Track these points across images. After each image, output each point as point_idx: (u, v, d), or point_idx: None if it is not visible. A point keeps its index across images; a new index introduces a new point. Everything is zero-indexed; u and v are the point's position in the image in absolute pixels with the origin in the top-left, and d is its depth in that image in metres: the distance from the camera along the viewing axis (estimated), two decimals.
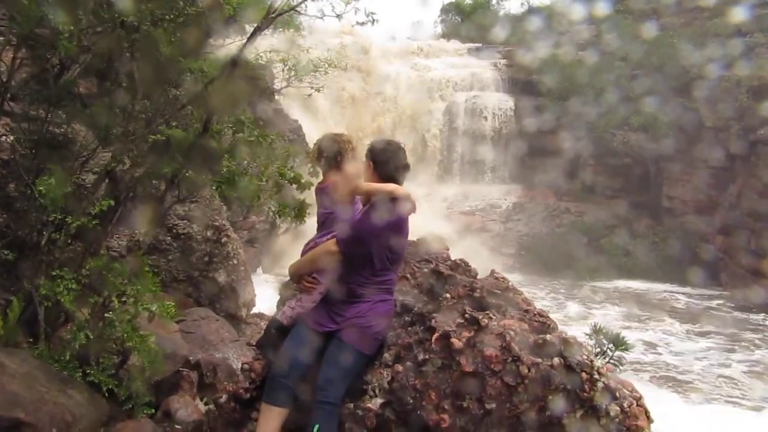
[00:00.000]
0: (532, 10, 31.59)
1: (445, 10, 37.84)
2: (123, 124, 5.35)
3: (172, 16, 5.25)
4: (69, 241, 5.08)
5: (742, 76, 21.92)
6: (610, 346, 4.45)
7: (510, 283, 4.35)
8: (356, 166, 4.09)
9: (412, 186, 4.07)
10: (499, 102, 27.21)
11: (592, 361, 3.61)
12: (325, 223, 4.14)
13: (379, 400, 3.79)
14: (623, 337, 4.74)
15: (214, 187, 5.91)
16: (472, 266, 4.53)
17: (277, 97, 16.28)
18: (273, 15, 5.39)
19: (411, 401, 3.71)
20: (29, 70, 5.74)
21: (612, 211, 24.38)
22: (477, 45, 30.87)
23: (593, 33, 26.78)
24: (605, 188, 24.90)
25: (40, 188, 4.57)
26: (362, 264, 3.85)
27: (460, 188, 26.41)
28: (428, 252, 4.65)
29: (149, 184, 5.64)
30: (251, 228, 14.15)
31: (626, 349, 4.58)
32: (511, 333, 3.69)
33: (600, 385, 3.51)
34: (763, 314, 18.47)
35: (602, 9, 26.13)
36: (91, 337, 4.52)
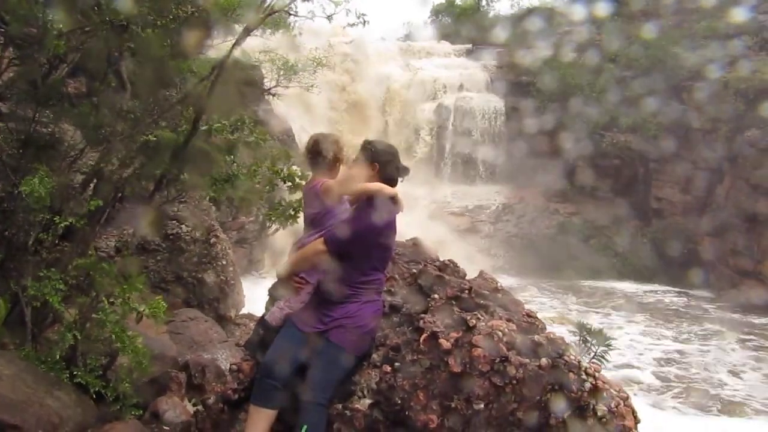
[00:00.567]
0: (522, 12, 31.63)
1: (435, 12, 37.87)
2: (111, 124, 5.33)
3: (162, 19, 5.23)
4: (56, 241, 5.06)
5: (731, 78, 22.05)
6: (594, 342, 4.48)
7: (498, 284, 4.37)
8: (355, 167, 4.09)
9: (401, 186, 4.08)
10: (488, 103, 27.23)
11: (579, 362, 3.63)
12: (313, 223, 4.14)
13: (367, 401, 3.79)
14: (606, 335, 4.78)
15: (210, 194, 5.87)
16: (460, 267, 4.54)
17: (267, 97, 16.26)
18: (263, 15, 5.39)
19: (399, 402, 3.72)
20: (17, 69, 5.71)
21: (601, 211, 24.44)
22: (467, 46, 30.89)
23: (584, 34, 26.83)
24: (594, 189, 24.96)
25: (24, 188, 4.53)
26: (350, 264, 3.85)
27: (449, 189, 26.40)
28: (417, 254, 4.66)
29: (138, 185, 5.62)
30: (240, 228, 14.12)
31: (609, 346, 4.61)
32: (499, 333, 3.71)
33: (588, 385, 3.53)
34: (752, 314, 18.56)
35: (594, 10, 26.20)
36: (79, 337, 4.50)
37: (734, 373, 13.15)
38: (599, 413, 3.47)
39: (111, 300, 4.66)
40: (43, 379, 4.28)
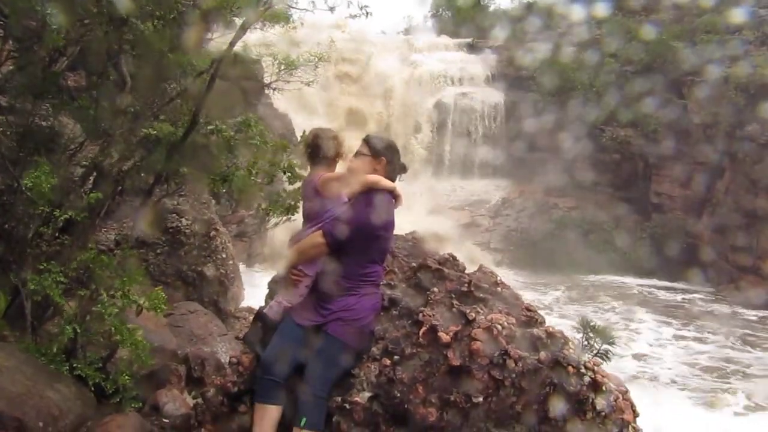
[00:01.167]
0: (523, 7, 31.56)
1: (436, 6, 37.80)
2: (111, 117, 5.32)
3: (161, 12, 5.22)
4: (56, 234, 5.06)
5: (732, 74, 22.02)
6: (597, 339, 4.48)
7: (498, 278, 4.36)
8: (355, 161, 4.10)
9: (400, 181, 4.09)
10: (488, 98, 27.24)
11: (579, 356, 3.63)
12: (311, 217, 4.14)
13: (366, 394, 3.79)
14: (610, 331, 4.78)
15: (210, 188, 5.87)
16: (459, 261, 4.54)
17: (267, 91, 16.23)
18: (263, 8, 5.38)
19: (398, 395, 3.72)
20: (16, 62, 5.71)
21: (601, 206, 24.46)
22: (467, 40, 30.86)
23: (585, 30, 26.80)
24: (594, 184, 24.97)
25: (26, 182, 4.53)
26: (349, 257, 3.85)
27: (449, 183, 26.42)
28: (417, 248, 4.66)
29: (137, 178, 5.62)
30: (240, 222, 14.13)
31: (612, 343, 4.61)
32: (499, 327, 3.71)
33: (587, 379, 3.53)
34: (751, 310, 18.57)
35: (594, 7, 26.14)
36: (79, 330, 4.50)
37: None
38: (598, 407, 3.47)
39: (111, 293, 4.66)
40: (43, 372, 4.28)
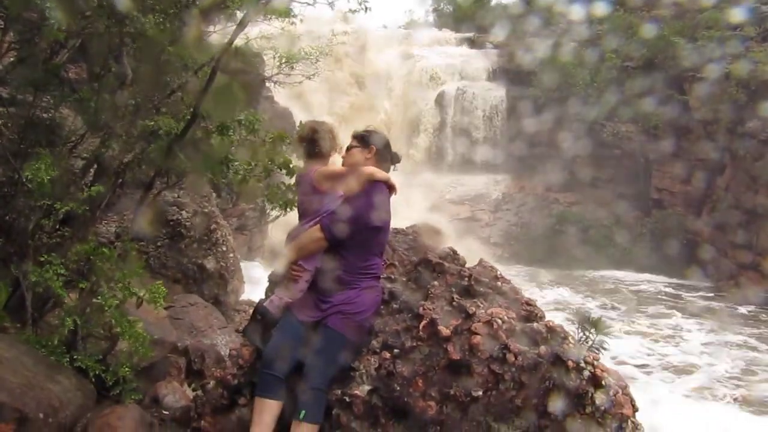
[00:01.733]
0: (524, 3, 31.48)
1: (438, 0, 37.73)
2: (111, 110, 5.31)
3: (163, 6, 5.21)
4: (57, 226, 5.06)
5: (733, 70, 22.00)
6: (592, 330, 4.48)
7: (498, 272, 4.37)
8: (349, 155, 4.11)
9: (401, 176, 4.10)
10: (489, 92, 27.22)
11: (579, 350, 3.64)
12: (308, 211, 4.14)
13: (366, 387, 3.80)
14: (604, 322, 4.78)
15: (209, 178, 5.87)
16: (460, 255, 4.54)
17: (267, 84, 16.21)
18: (264, 2, 5.37)
19: (398, 388, 3.73)
20: (17, 53, 5.70)
21: (601, 202, 24.47)
22: (469, 35, 30.82)
23: (586, 26, 26.76)
24: (595, 179, 24.99)
25: (27, 174, 4.53)
26: (348, 250, 3.86)
27: (449, 177, 26.43)
28: (417, 242, 4.67)
29: (138, 171, 5.62)
30: (241, 215, 14.13)
31: (607, 334, 4.61)
32: (499, 321, 3.72)
33: (586, 373, 3.54)
34: (751, 306, 18.59)
35: (595, 3, 26.09)
36: (79, 322, 4.50)
37: None
38: (598, 402, 3.48)
39: (111, 285, 4.67)
40: (44, 363, 4.28)
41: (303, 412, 3.70)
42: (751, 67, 21.65)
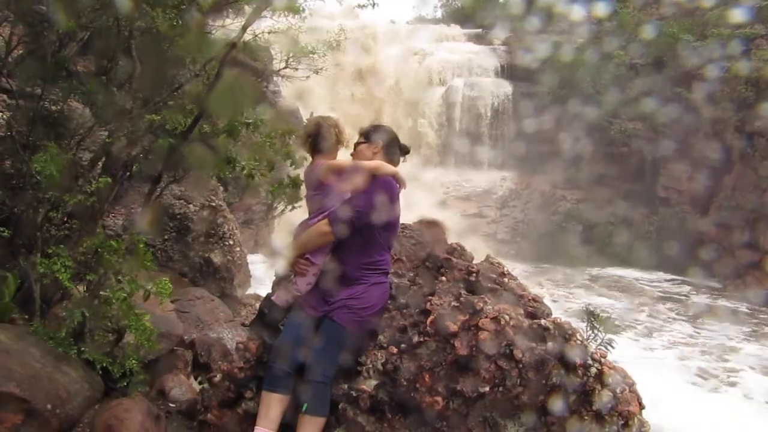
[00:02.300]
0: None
1: None
2: (120, 102, 5.32)
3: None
4: (65, 218, 5.08)
5: (741, 68, 21.88)
6: (601, 329, 4.47)
7: (505, 269, 4.37)
8: (357, 150, 4.11)
9: (408, 171, 4.10)
10: (497, 88, 27.14)
11: (586, 347, 3.64)
12: (314, 205, 4.15)
13: (373, 382, 3.81)
14: (613, 321, 4.77)
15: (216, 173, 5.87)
16: (467, 250, 4.54)
17: (275, 78, 16.23)
18: None
19: (405, 383, 3.73)
20: (26, 46, 5.71)
21: (607, 199, 24.40)
22: (477, 31, 30.74)
23: (593, 23, 26.64)
24: (601, 177, 24.90)
25: (35, 165, 4.55)
26: (356, 244, 3.86)
27: (456, 174, 26.39)
28: (425, 237, 4.67)
29: (146, 164, 5.63)
30: (247, 210, 14.15)
31: (615, 332, 4.61)
32: (506, 317, 3.71)
33: (593, 370, 3.54)
34: (755, 306, 18.51)
35: (602, 0, 25.96)
36: (87, 314, 4.52)
37: None
38: (604, 398, 3.48)
39: (118, 278, 4.68)
40: (51, 354, 4.30)
41: (307, 405, 3.71)
42: (759, 65, 21.53)
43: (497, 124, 26.81)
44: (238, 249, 8.69)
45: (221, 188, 8.85)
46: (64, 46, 5.54)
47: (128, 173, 5.53)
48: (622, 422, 3.51)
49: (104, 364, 4.54)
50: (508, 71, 27.92)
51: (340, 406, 3.81)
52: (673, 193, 23.87)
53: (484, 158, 26.88)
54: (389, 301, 4.07)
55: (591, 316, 4.93)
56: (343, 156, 4.23)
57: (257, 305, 5.51)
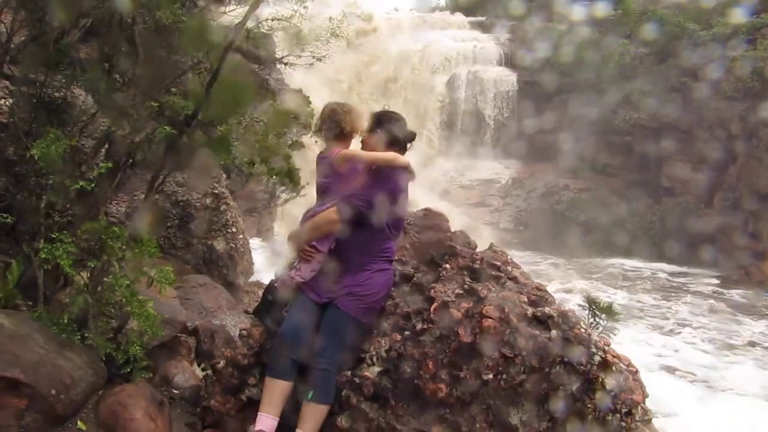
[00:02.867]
0: None
1: None
2: (123, 89, 5.31)
3: None
4: (68, 205, 5.07)
5: (747, 56, 21.76)
6: (603, 316, 4.48)
7: (508, 257, 4.36)
8: (369, 138, 4.10)
9: (412, 158, 4.08)
10: (501, 77, 27.05)
11: (590, 335, 3.63)
12: (325, 192, 4.14)
13: (376, 369, 3.82)
14: (615, 308, 4.77)
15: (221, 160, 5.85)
16: (471, 238, 4.53)
17: (278, 66, 16.15)
18: None
19: (408, 370, 3.74)
20: (29, 32, 5.69)
21: (611, 189, 24.36)
22: (481, 19, 30.60)
23: (601, 10, 26.44)
24: (605, 166, 24.85)
25: (35, 151, 4.53)
26: (362, 233, 3.86)
27: (459, 162, 26.33)
28: (429, 224, 4.65)
29: (149, 151, 5.62)
30: (250, 197, 14.14)
31: (618, 320, 4.61)
32: (510, 305, 3.71)
33: (597, 358, 3.54)
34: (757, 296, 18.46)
35: None
36: (90, 301, 4.52)
37: None
38: (608, 386, 3.48)
39: (122, 264, 4.68)
40: (55, 340, 4.30)
41: (312, 392, 3.72)
42: (765, 54, 21.41)
43: (501, 112, 26.73)
44: (241, 236, 8.68)
45: (224, 175, 8.83)
46: (67, 33, 5.52)
47: (131, 160, 5.51)
48: (626, 410, 3.51)
49: (108, 351, 4.55)
50: (512, 60, 27.80)
51: (343, 393, 3.82)
52: (677, 183, 23.79)
53: (487, 146, 26.82)
54: (393, 288, 4.07)
55: (593, 304, 4.93)
56: (357, 143, 4.22)
57: (260, 292, 5.50)
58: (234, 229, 8.52)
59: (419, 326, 3.82)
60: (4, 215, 4.87)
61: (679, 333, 14.18)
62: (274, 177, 5.79)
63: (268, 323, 4.16)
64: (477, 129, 26.68)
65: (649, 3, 25.66)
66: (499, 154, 26.72)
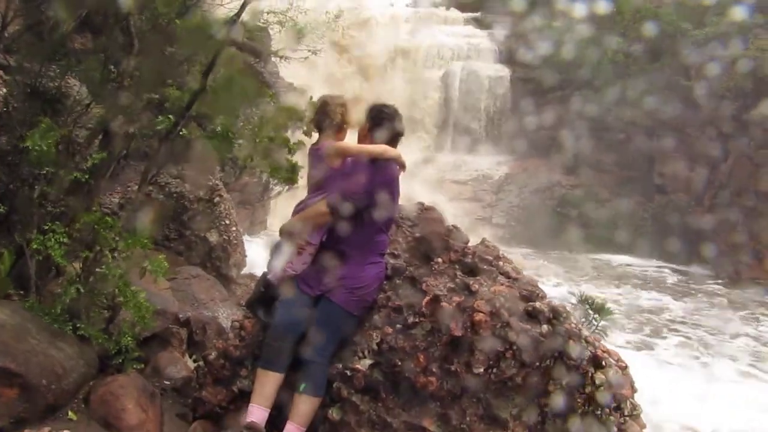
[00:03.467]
0: None
1: None
2: (118, 80, 5.29)
3: None
4: (61, 195, 5.06)
5: (739, 55, 21.83)
6: (595, 315, 4.51)
7: (500, 251, 4.38)
8: (361, 130, 4.11)
9: (405, 154, 4.09)
10: (495, 72, 27.03)
11: (580, 330, 3.66)
12: (316, 185, 4.14)
13: (367, 362, 3.83)
14: (608, 307, 4.80)
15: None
16: (463, 233, 4.55)
17: (273, 59, 16.13)
18: None
19: (399, 363, 3.76)
20: (23, 22, 5.67)
21: (604, 185, 24.41)
22: (476, 15, 30.56)
23: (593, 9, 26.43)
24: (598, 163, 24.88)
25: (28, 142, 4.52)
26: (354, 225, 3.87)
27: (452, 157, 26.31)
28: (421, 218, 4.67)
29: (143, 142, 5.61)
30: (243, 189, 14.11)
31: (611, 318, 4.64)
32: (501, 299, 3.73)
33: (587, 353, 3.57)
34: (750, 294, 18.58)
35: None
36: (82, 291, 4.52)
37: None
38: (597, 381, 3.51)
39: (114, 255, 4.68)
40: (47, 331, 4.31)
41: (303, 384, 3.74)
42: (758, 54, 21.48)
43: (494, 107, 26.74)
44: (234, 228, 8.67)
45: (218, 167, 8.82)
46: (62, 22, 5.50)
47: (125, 151, 5.51)
48: (615, 405, 3.55)
49: (99, 341, 4.56)
50: (507, 55, 27.79)
51: (334, 385, 3.84)
52: (669, 180, 23.86)
53: (480, 142, 26.81)
54: (385, 281, 4.09)
55: (586, 301, 4.96)
56: (350, 136, 4.23)
57: (252, 284, 5.52)
58: (227, 221, 8.51)
59: (411, 320, 3.84)
60: None
61: (670, 329, 14.26)
62: (277, 175, 5.79)
63: (260, 315, 4.17)
64: (470, 125, 26.67)
65: (644, 1, 25.68)
66: (492, 150, 26.71)
